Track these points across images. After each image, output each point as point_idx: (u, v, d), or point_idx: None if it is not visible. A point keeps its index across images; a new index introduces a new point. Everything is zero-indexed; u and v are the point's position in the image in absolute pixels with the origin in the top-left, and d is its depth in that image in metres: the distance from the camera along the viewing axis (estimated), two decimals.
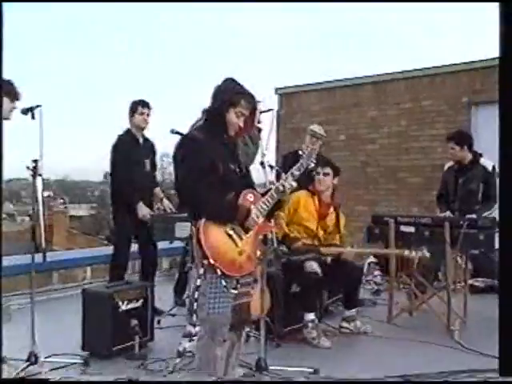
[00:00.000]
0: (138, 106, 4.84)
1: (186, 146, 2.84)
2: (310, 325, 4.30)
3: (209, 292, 2.75)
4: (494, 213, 4.98)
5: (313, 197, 4.66)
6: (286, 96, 9.13)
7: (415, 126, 7.52)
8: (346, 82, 8.50)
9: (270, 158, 5.53)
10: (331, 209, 4.72)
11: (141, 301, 3.96)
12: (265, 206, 2.88)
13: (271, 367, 3.52)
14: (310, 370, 3.58)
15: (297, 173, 3.03)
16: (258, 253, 2.98)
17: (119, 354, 3.74)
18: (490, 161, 5.20)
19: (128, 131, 4.83)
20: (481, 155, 5.30)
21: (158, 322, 4.56)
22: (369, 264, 7.00)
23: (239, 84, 2.95)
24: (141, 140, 4.86)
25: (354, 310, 4.58)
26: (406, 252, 4.42)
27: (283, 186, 2.93)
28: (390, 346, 4.29)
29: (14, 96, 3.66)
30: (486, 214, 4.97)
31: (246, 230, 2.82)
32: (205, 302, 2.75)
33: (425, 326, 4.81)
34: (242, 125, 2.91)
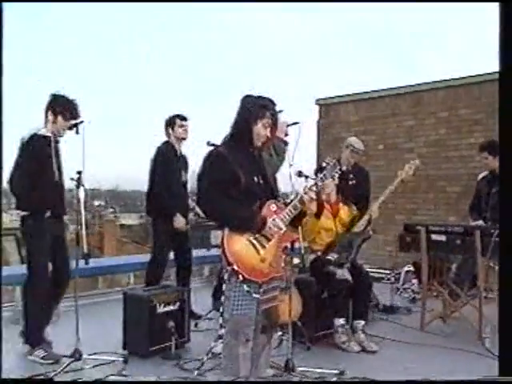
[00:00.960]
0: (177, 119, 5.09)
1: (210, 160, 3.05)
2: (339, 330, 4.44)
3: (232, 296, 2.95)
4: None
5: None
6: (326, 107, 9.28)
7: (453, 135, 7.54)
8: (383, 92, 8.58)
9: (309, 167, 5.70)
10: (340, 204, 4.84)
11: (177, 304, 4.20)
12: (287, 216, 3.05)
13: (299, 368, 3.70)
14: (336, 371, 3.73)
15: (320, 183, 3.18)
16: (283, 260, 3.16)
17: (156, 354, 3.98)
18: None
19: (167, 143, 5.08)
20: None
21: (196, 325, 4.79)
22: (406, 272, 7.08)
23: (261, 97, 3.14)
24: (178, 152, 5.11)
25: (360, 321, 4.54)
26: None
27: (305, 195, 3.09)
28: (418, 353, 4.37)
29: (70, 115, 3.96)
30: None
31: (269, 239, 2.99)
32: (229, 304, 2.96)
33: (457, 333, 4.87)
34: (269, 135, 3.10)
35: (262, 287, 3.03)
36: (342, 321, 4.47)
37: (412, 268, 6.81)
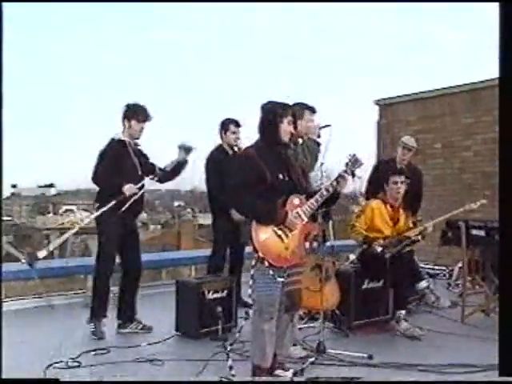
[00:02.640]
0: (231, 125, 5.48)
1: (240, 161, 3.47)
2: (402, 318, 4.74)
3: (259, 279, 3.36)
4: None
5: (386, 205, 5.02)
6: (385, 107, 9.47)
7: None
8: (440, 91, 8.68)
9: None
10: (401, 211, 5.07)
11: (225, 291, 4.64)
12: (309, 209, 3.41)
13: (330, 351, 4.05)
14: (365, 355, 4.03)
15: (346, 176, 3.49)
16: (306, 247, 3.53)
17: (205, 335, 4.44)
18: None
19: (220, 146, 5.52)
20: None
21: (246, 313, 5.21)
22: (459, 268, 7.17)
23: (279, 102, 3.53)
24: (230, 153, 5.52)
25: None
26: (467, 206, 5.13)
27: (327, 190, 3.44)
28: (451, 341, 4.60)
29: (143, 118, 4.63)
30: None
31: (291, 229, 3.36)
32: (256, 286, 3.37)
33: (494, 325, 5.01)
34: (293, 131, 3.48)
35: (286, 271, 3.40)
36: (403, 312, 4.77)
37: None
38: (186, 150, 4.83)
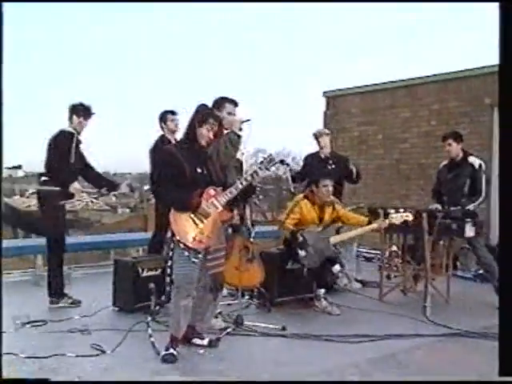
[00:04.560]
0: (168, 115, 5.90)
1: (162, 156, 3.92)
2: (321, 297, 5.25)
3: (177, 260, 3.80)
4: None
5: (313, 205, 5.39)
6: (332, 99, 9.94)
7: (443, 126, 8.05)
8: (382, 85, 9.18)
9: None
10: (327, 208, 5.49)
11: (159, 270, 5.06)
12: (224, 199, 3.85)
13: (247, 323, 4.52)
14: (278, 326, 4.52)
15: (259, 172, 3.94)
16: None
17: (139, 310, 4.86)
18: (478, 159, 5.79)
19: (162, 136, 5.91)
20: (471, 154, 5.89)
21: None
22: (390, 253, 7.72)
23: (208, 107, 3.97)
24: (172, 141, 5.90)
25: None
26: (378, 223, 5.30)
27: (242, 184, 3.88)
28: (364, 315, 5.15)
29: (85, 115, 5.23)
30: (470, 207, 5.58)
31: (206, 216, 3.79)
32: (175, 267, 3.82)
33: (408, 303, 5.57)
34: (211, 137, 3.90)
35: (208, 255, 3.84)
36: (322, 290, 5.29)
37: (396, 249, 7.49)
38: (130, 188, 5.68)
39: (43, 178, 5.13)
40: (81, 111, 5.24)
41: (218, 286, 4.02)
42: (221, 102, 4.60)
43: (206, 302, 4.00)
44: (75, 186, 5.14)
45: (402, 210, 5.30)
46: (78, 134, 5.25)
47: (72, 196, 5.19)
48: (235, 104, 4.65)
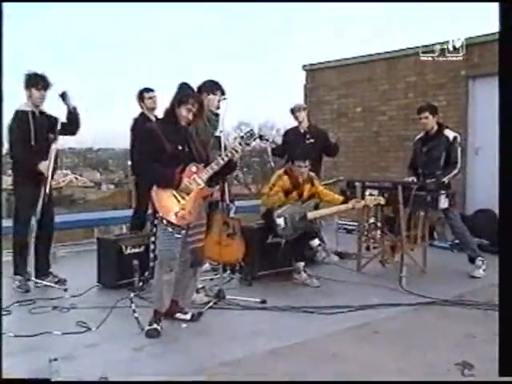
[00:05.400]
0: (144, 93, 6.01)
1: (143, 134, 3.97)
2: (301, 270, 5.39)
3: (160, 236, 3.89)
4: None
5: (292, 182, 5.48)
6: (311, 72, 9.98)
7: (420, 99, 8.15)
8: (361, 59, 9.24)
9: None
10: (306, 184, 5.59)
11: (142, 247, 5.15)
12: (205, 175, 3.92)
13: (228, 297, 4.65)
14: (258, 299, 4.66)
15: (239, 148, 4.01)
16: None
17: (124, 287, 4.97)
18: (452, 132, 5.91)
19: (141, 114, 5.97)
20: (447, 127, 6.01)
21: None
22: (369, 225, 7.87)
23: (190, 87, 4.01)
24: (152, 118, 5.95)
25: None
26: (353, 203, 5.41)
27: (223, 159, 3.95)
28: (342, 286, 5.31)
29: (42, 85, 4.97)
30: (445, 179, 5.72)
31: (187, 193, 3.87)
32: (158, 243, 3.90)
33: (386, 273, 5.74)
34: (190, 117, 3.94)
35: (188, 231, 3.93)
36: (302, 263, 5.42)
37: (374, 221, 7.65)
38: (62, 97, 5.09)
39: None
40: (40, 83, 4.97)
41: (198, 260, 4.11)
42: (203, 85, 4.64)
43: (188, 277, 4.12)
44: (43, 164, 4.91)
45: (375, 193, 5.45)
46: (37, 107, 5.03)
47: (42, 175, 4.94)
48: (218, 87, 4.69)
